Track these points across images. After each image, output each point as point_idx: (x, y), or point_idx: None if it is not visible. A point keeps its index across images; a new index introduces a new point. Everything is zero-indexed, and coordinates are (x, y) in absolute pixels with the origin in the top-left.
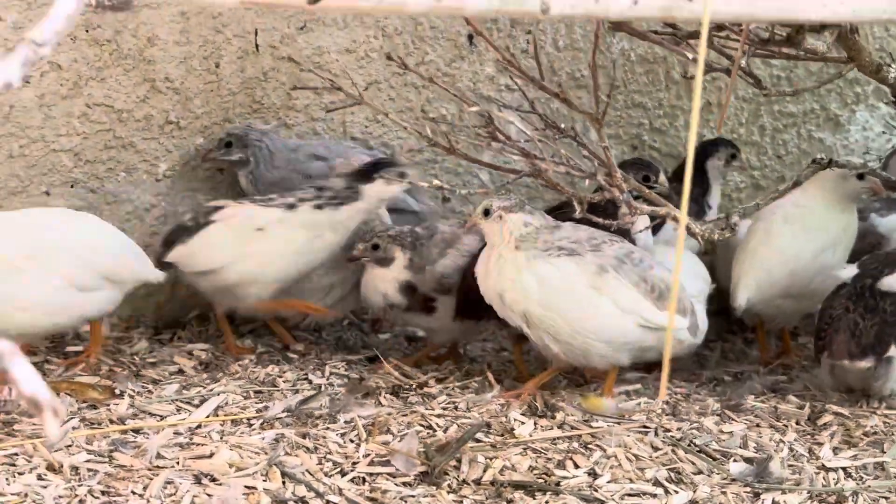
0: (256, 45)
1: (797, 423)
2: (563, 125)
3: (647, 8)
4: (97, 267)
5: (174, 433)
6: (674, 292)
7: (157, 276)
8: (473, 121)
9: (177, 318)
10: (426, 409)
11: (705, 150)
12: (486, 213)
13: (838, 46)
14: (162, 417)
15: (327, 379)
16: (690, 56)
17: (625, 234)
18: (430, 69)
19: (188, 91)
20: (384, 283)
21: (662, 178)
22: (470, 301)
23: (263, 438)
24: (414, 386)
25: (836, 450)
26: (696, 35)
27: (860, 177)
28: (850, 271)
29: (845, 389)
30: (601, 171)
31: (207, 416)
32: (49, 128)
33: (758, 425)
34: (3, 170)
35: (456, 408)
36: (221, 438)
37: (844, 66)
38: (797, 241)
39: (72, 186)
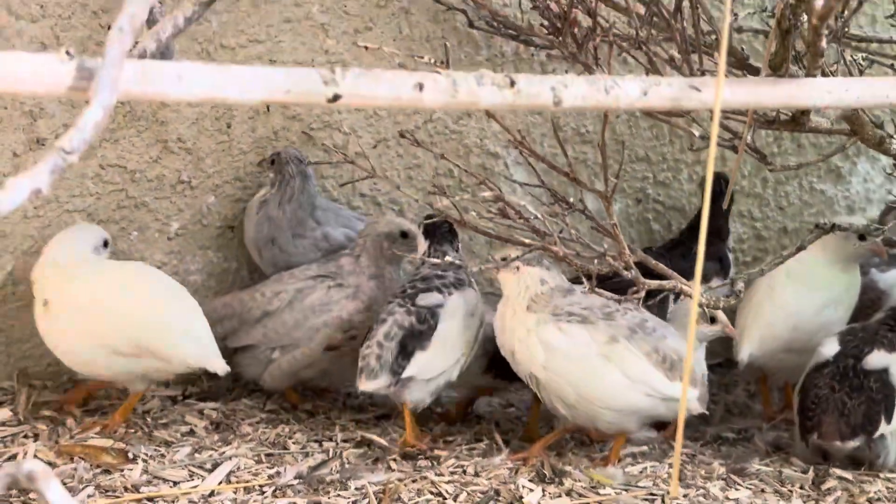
0: (267, 106)
1: (801, 488)
2: (572, 199)
3: (657, 98)
4: (130, 337)
5: (188, 502)
6: (686, 366)
7: (221, 367)
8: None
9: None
10: (435, 474)
11: None
12: (504, 261)
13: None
14: (175, 483)
15: (337, 443)
16: (697, 133)
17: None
18: (437, 126)
19: (200, 151)
20: None
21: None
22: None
23: None
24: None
25: None
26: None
27: (861, 237)
28: (832, 348)
29: (826, 460)
30: (613, 248)
31: (220, 483)
32: (63, 188)
33: (763, 490)
34: (18, 230)
35: (464, 472)
36: None
37: (848, 139)
38: (800, 298)
39: None
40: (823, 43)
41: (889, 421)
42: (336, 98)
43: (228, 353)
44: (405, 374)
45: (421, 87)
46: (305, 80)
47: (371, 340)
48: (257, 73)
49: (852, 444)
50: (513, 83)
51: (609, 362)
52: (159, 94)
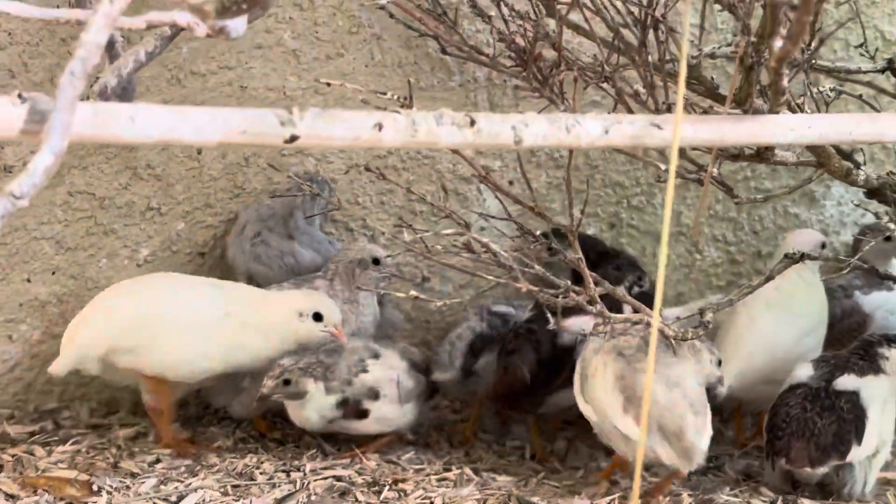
0: None
1: None
2: (538, 231)
3: (619, 136)
4: None
5: None
6: (645, 404)
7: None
8: (450, 201)
9: None
10: None
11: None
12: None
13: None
14: None
15: (305, 474)
16: (663, 167)
17: None
18: (409, 152)
19: (169, 177)
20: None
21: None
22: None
23: None
24: (390, 481)
25: None
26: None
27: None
28: (805, 372)
29: (795, 488)
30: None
31: None
32: (31, 216)
33: None
34: None
35: (432, 503)
36: None
37: (815, 171)
38: (780, 327)
39: (53, 273)
40: (785, 82)
41: (860, 442)
42: (293, 139)
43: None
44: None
45: (380, 127)
46: (262, 121)
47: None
48: (213, 114)
49: (822, 469)
50: (473, 122)
51: None
52: (112, 137)
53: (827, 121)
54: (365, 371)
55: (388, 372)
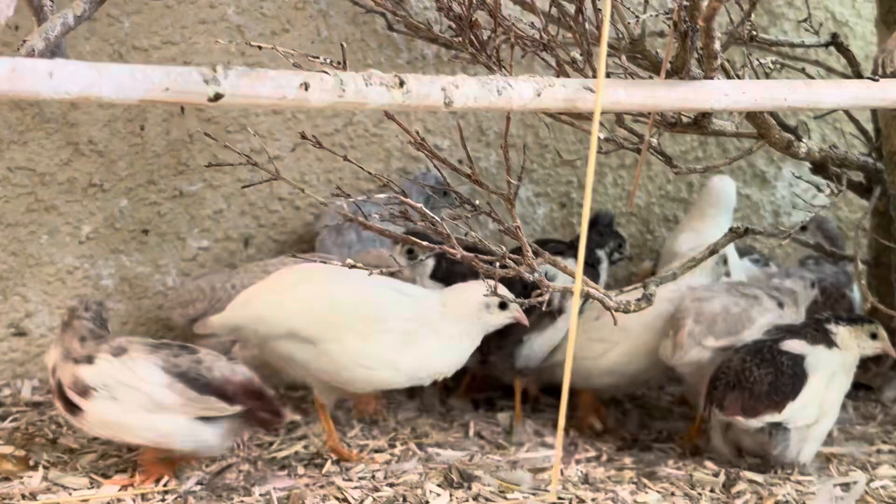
0: (182, 108)
1: (711, 491)
2: (478, 201)
3: (550, 99)
4: None
5: None
6: (567, 365)
7: None
8: (399, 178)
9: None
10: (344, 479)
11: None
12: None
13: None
14: (74, 490)
15: (246, 447)
16: (602, 136)
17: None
18: (357, 129)
19: (112, 153)
20: None
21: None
22: None
23: None
24: (333, 457)
25: None
26: (606, 112)
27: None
28: (756, 335)
29: (740, 455)
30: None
31: (119, 490)
32: None
33: (672, 494)
34: None
35: (374, 477)
36: None
37: (755, 143)
38: None
39: None
40: (717, 45)
41: (794, 398)
42: (218, 97)
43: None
44: None
45: (306, 86)
46: (185, 78)
47: None
48: (134, 71)
49: (755, 422)
50: (402, 83)
51: None
52: (30, 93)
53: (761, 86)
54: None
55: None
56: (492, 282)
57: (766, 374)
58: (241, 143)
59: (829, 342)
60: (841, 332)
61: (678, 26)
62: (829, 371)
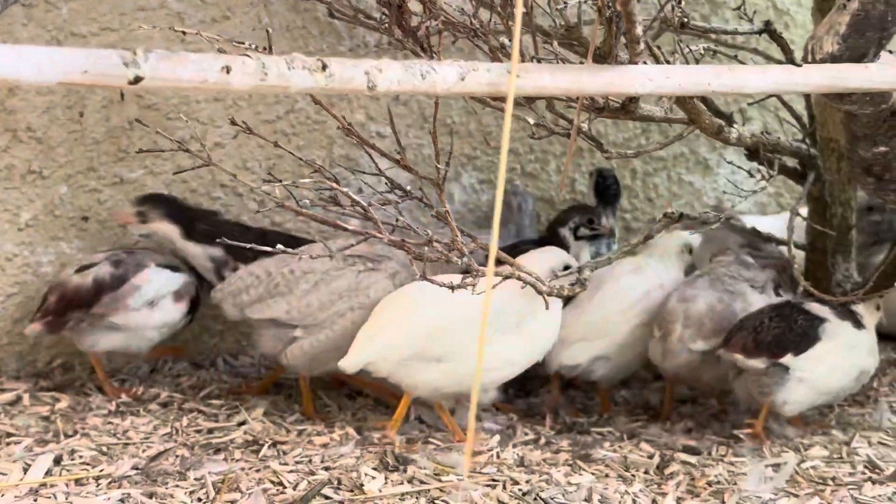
0: (122, 95)
1: (645, 473)
2: (409, 187)
3: (475, 84)
4: None
5: (15, 497)
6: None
7: None
8: (338, 169)
9: (40, 366)
10: (280, 463)
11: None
12: None
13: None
14: (5, 475)
15: (180, 433)
16: (532, 120)
17: None
18: (299, 117)
19: (51, 140)
20: None
21: (605, 220)
22: None
23: (108, 499)
24: (269, 441)
25: (679, 500)
26: (535, 99)
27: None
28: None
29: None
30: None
31: (52, 476)
32: None
33: (607, 476)
34: None
35: (310, 461)
36: (66, 499)
37: (686, 128)
38: None
39: None
40: (638, 30)
41: (797, 354)
42: (138, 80)
43: (248, 324)
44: None
45: (228, 69)
46: (104, 61)
47: None
48: (53, 53)
49: (755, 362)
50: (325, 67)
51: None
52: None
53: (686, 71)
54: None
55: None
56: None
57: (776, 326)
58: (181, 130)
59: (858, 323)
60: (859, 310)
61: (602, 11)
62: (847, 346)
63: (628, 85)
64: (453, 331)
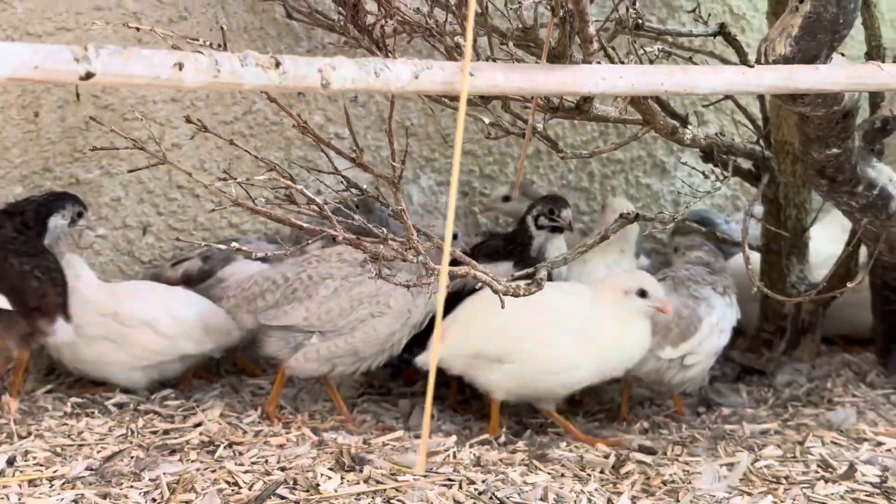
0: (77, 94)
1: (601, 472)
2: (365, 186)
3: (429, 82)
4: None
5: None
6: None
7: None
8: (298, 167)
9: None
10: (235, 464)
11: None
12: None
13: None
14: None
15: (135, 434)
16: (487, 120)
17: None
18: (257, 118)
19: (6, 140)
20: None
21: (566, 213)
22: None
23: (62, 499)
24: (225, 442)
25: (634, 499)
26: (491, 99)
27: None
28: None
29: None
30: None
31: (5, 477)
32: None
33: (562, 475)
34: None
35: (266, 462)
36: (20, 500)
37: (640, 129)
38: None
39: None
40: (591, 29)
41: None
42: (89, 76)
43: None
44: None
45: (181, 66)
46: (55, 56)
47: None
48: (2, 48)
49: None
50: (278, 64)
51: None
52: None
53: (638, 71)
54: None
55: None
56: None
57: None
58: (138, 130)
59: None
60: None
61: (556, 11)
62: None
63: (581, 84)
64: (510, 333)
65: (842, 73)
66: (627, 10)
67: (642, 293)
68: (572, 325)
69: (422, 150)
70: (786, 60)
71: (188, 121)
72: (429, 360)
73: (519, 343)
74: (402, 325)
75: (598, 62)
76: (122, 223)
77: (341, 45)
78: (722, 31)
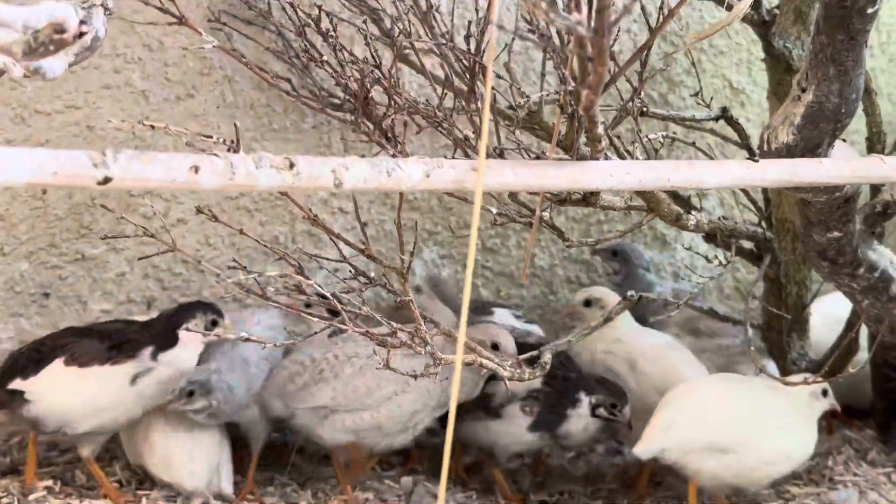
0: None
1: None
2: (373, 274)
3: (440, 181)
4: None
5: None
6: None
7: None
8: (303, 241)
9: None
10: None
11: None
12: None
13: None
14: None
15: None
16: (495, 210)
17: None
18: (262, 192)
19: (13, 217)
20: None
21: (626, 410)
22: None
23: None
24: None
25: None
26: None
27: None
28: None
29: None
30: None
31: None
32: None
33: None
34: None
35: None
36: None
37: (646, 216)
38: None
39: None
40: (599, 129)
41: None
42: (107, 181)
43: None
44: None
45: (197, 169)
46: (74, 162)
47: None
48: (21, 154)
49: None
50: (292, 165)
51: None
52: None
53: (645, 167)
54: None
55: None
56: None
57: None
58: (144, 206)
59: None
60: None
61: (564, 109)
62: None
63: (590, 181)
64: (742, 424)
65: (844, 167)
66: (632, 98)
67: (824, 392)
68: (785, 418)
69: (424, 223)
70: (788, 148)
71: (199, 211)
72: (645, 450)
73: (747, 434)
74: (423, 404)
75: (606, 154)
76: (126, 298)
77: (347, 122)
78: (724, 115)
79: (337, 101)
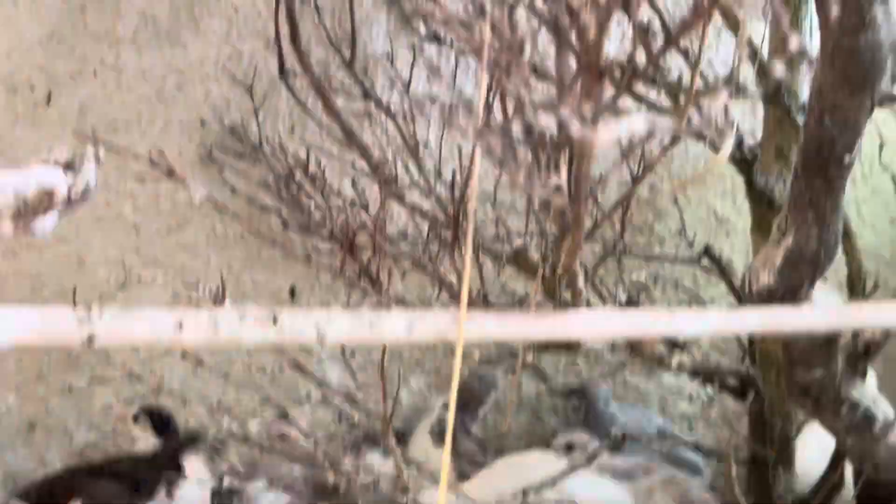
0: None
1: None
2: (357, 418)
3: (423, 332)
4: None
5: None
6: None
7: None
8: (294, 377)
9: None
10: None
11: None
12: None
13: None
14: None
15: None
16: (477, 353)
17: None
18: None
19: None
20: None
21: None
22: None
23: None
24: None
25: None
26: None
27: None
28: None
29: None
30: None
31: None
32: None
33: None
34: None
35: None
36: None
37: (629, 359)
38: None
39: None
40: (580, 284)
41: None
42: (91, 339)
43: None
44: None
45: (181, 325)
46: (59, 320)
47: None
48: (5, 313)
49: None
50: (276, 320)
51: None
52: None
53: (626, 316)
54: None
55: None
56: None
57: None
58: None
59: None
60: None
61: (545, 259)
62: None
63: (574, 331)
64: None
65: (825, 315)
66: (615, 246)
67: None
68: None
69: (412, 351)
70: (769, 290)
71: (183, 356)
72: None
73: None
74: None
75: (588, 300)
76: (111, 429)
77: (336, 253)
78: (707, 255)
79: (325, 236)
